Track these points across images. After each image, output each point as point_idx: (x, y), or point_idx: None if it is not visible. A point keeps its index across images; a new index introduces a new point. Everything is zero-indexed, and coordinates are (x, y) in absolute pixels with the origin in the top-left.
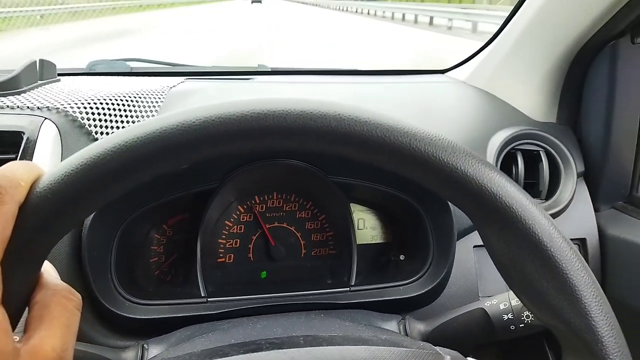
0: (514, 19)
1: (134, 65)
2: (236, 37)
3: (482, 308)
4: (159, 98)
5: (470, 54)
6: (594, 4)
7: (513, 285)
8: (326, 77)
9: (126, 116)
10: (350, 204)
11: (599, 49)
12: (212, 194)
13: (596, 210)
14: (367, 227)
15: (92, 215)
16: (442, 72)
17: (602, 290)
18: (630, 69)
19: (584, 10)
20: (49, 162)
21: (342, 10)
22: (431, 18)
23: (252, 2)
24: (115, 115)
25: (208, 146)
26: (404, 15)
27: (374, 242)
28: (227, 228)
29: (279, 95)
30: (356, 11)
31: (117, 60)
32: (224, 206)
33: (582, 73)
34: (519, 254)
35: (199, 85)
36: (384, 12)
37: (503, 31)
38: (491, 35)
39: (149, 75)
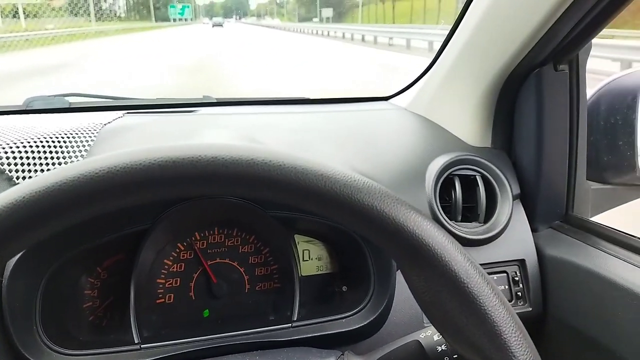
0: (447, 47)
1: (74, 100)
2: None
3: (417, 340)
4: (90, 137)
5: (412, 80)
6: (517, 34)
7: (435, 322)
8: (272, 107)
9: (52, 158)
10: (295, 235)
11: (526, 76)
12: (145, 235)
13: (534, 230)
14: (312, 258)
15: (13, 262)
16: (386, 99)
17: (521, 324)
18: (554, 94)
19: (508, 40)
20: None
21: (301, 32)
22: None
23: (213, 26)
24: (41, 158)
25: (111, 198)
26: (363, 36)
27: (319, 272)
28: (166, 267)
29: (222, 127)
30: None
31: (55, 95)
32: (159, 246)
33: (512, 99)
34: (438, 291)
35: (138, 120)
36: (337, 32)
37: (438, 59)
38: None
39: (88, 111)
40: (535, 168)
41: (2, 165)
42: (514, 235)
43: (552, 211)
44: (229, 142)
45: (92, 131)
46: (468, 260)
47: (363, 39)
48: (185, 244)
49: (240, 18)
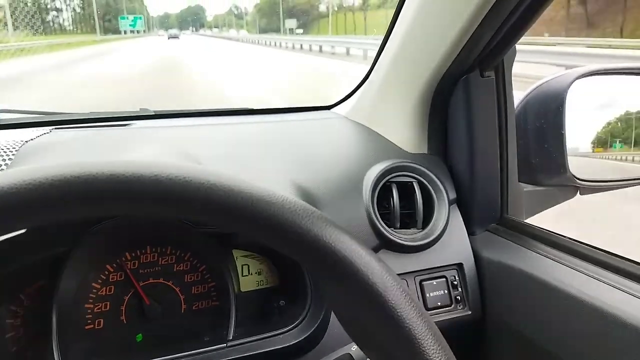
0: (381, 56)
1: (2, 116)
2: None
3: (348, 353)
4: (7, 155)
5: (352, 88)
6: (442, 42)
7: (355, 338)
8: (212, 118)
9: None
10: (233, 250)
11: (455, 82)
12: (66, 259)
13: (471, 234)
14: (252, 272)
15: None
16: (328, 107)
17: (440, 335)
18: (482, 100)
19: (434, 47)
20: None
21: (260, 43)
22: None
23: (169, 38)
24: None
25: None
26: (320, 47)
27: (260, 287)
28: (94, 291)
29: (155, 141)
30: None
31: None
32: (84, 269)
33: (444, 106)
34: (356, 304)
35: (66, 136)
36: (301, 45)
37: (374, 67)
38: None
39: (14, 127)
40: (469, 172)
41: None
42: (452, 240)
43: (487, 214)
44: (130, 159)
45: (11, 149)
46: (386, 271)
47: (320, 50)
48: (114, 265)
49: (196, 30)
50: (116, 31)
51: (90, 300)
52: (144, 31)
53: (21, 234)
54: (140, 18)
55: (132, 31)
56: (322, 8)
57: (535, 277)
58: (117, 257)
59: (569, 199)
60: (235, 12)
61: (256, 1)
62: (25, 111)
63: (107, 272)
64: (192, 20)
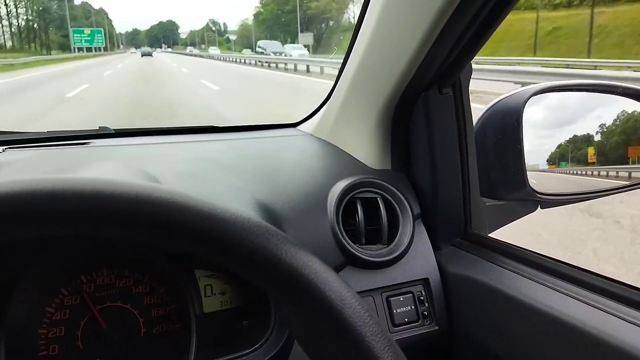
0: (343, 73)
1: None
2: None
3: None
4: None
5: (317, 105)
6: (399, 61)
7: (315, 358)
8: (175, 136)
9: None
10: (196, 270)
11: (415, 99)
12: (14, 283)
13: (437, 249)
14: (215, 293)
15: None
16: (294, 125)
17: (401, 352)
18: (441, 116)
19: (393, 65)
20: None
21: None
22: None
23: (142, 55)
24: None
25: None
26: (308, 67)
27: (224, 308)
28: (48, 315)
29: (112, 160)
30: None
31: None
32: (36, 294)
33: (405, 122)
34: (314, 323)
35: (20, 156)
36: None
37: (337, 85)
38: None
39: None
40: (432, 188)
41: None
42: (417, 255)
43: (452, 229)
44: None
45: None
46: (344, 288)
47: (295, 68)
48: (69, 288)
49: (168, 47)
50: (68, 48)
51: (44, 326)
52: (103, 48)
53: None
54: (100, 32)
55: (90, 49)
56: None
57: (499, 291)
58: (73, 280)
59: (529, 212)
60: (213, 28)
61: (241, 17)
62: None
63: (61, 296)
64: (164, 37)
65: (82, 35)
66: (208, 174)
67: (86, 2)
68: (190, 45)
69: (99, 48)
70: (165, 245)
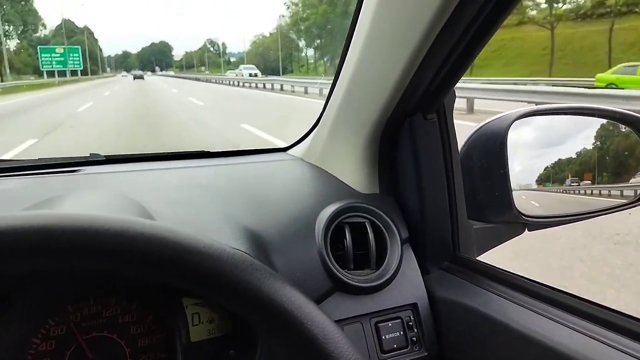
0: (331, 97)
1: None
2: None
3: None
4: None
5: (307, 130)
6: (384, 87)
7: None
8: (165, 162)
9: None
10: (183, 298)
11: (400, 124)
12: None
13: (425, 273)
14: (203, 321)
15: None
16: (284, 149)
17: None
18: (427, 141)
19: (378, 92)
20: None
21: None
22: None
23: (134, 79)
24: None
25: None
26: (292, 86)
27: (211, 336)
28: (34, 347)
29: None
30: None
31: None
32: (21, 324)
33: (392, 146)
34: (299, 357)
35: (5, 185)
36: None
37: (326, 109)
38: None
39: None
40: (419, 211)
41: None
42: (406, 280)
43: (440, 252)
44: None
45: None
46: (328, 322)
47: (293, 90)
48: (56, 318)
49: (162, 70)
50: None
51: (30, 356)
52: (82, 72)
53: None
54: (76, 51)
55: (68, 72)
56: None
57: (488, 316)
58: (59, 310)
59: (517, 235)
60: (212, 49)
61: (248, 36)
62: None
63: (47, 326)
64: (157, 59)
65: (53, 55)
66: (197, 201)
67: (68, 20)
68: (187, 68)
69: (76, 72)
70: (151, 279)
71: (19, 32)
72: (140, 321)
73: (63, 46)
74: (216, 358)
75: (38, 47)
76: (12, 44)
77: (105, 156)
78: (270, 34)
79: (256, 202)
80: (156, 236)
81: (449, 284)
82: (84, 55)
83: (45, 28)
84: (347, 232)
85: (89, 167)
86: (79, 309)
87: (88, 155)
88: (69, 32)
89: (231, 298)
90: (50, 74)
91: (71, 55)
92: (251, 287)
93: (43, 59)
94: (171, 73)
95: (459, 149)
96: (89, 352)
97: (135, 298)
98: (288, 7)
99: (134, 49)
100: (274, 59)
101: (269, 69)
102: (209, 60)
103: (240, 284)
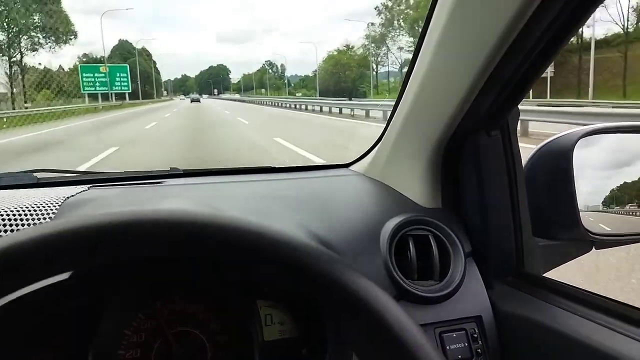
0: (395, 114)
1: (42, 175)
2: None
3: None
4: (52, 210)
5: (369, 147)
6: (448, 106)
7: None
8: (238, 176)
9: (9, 231)
10: (257, 300)
11: (464, 140)
12: (99, 307)
13: (489, 287)
14: (275, 322)
15: None
16: (346, 165)
17: None
18: (490, 157)
19: (442, 110)
20: None
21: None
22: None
23: (191, 102)
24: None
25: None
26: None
27: (282, 337)
28: (126, 337)
29: (185, 198)
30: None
31: (22, 172)
32: (117, 317)
33: (454, 162)
34: (376, 345)
35: (102, 193)
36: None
37: (389, 127)
38: None
39: (54, 185)
40: (483, 226)
41: None
42: (469, 292)
43: (504, 268)
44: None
45: (54, 204)
46: (403, 314)
47: (352, 113)
48: (147, 313)
49: (219, 93)
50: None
51: (122, 347)
52: (127, 93)
53: (65, 279)
54: (124, 70)
55: (112, 95)
56: None
57: (555, 330)
58: (149, 305)
59: (584, 253)
60: (271, 71)
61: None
62: (63, 170)
63: (139, 320)
64: (214, 82)
65: (97, 75)
66: (269, 210)
67: (125, 41)
68: (245, 90)
69: (123, 95)
70: (251, 270)
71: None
72: (219, 319)
73: (109, 64)
74: (289, 356)
75: (79, 66)
76: (42, 59)
77: (183, 170)
78: (339, 51)
79: (323, 214)
80: (262, 232)
81: (514, 298)
82: (140, 78)
83: (75, 37)
84: (410, 244)
85: (170, 179)
86: (167, 306)
87: (168, 168)
88: (126, 52)
89: (315, 286)
90: (93, 97)
91: (118, 75)
92: (334, 277)
93: (85, 79)
94: (226, 96)
95: (523, 165)
96: (175, 344)
97: (216, 298)
98: (380, 13)
99: (193, 73)
100: (344, 80)
101: (337, 92)
102: (268, 82)
103: (323, 274)
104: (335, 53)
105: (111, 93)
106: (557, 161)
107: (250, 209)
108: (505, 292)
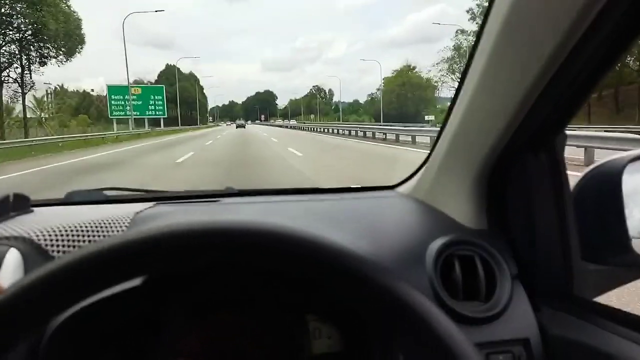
0: (441, 136)
1: (111, 193)
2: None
3: None
4: (124, 223)
5: (414, 169)
6: (496, 124)
7: None
8: (288, 196)
9: (89, 242)
10: (306, 314)
11: (511, 162)
12: (161, 318)
13: (536, 310)
14: (323, 336)
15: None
16: (392, 187)
17: None
18: (537, 179)
19: (489, 131)
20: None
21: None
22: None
23: (237, 127)
24: (79, 242)
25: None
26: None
27: (330, 351)
28: (180, 348)
29: (242, 214)
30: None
31: (94, 190)
32: (174, 328)
33: (501, 184)
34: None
35: (168, 209)
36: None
37: (434, 150)
38: None
39: (123, 202)
40: (530, 248)
41: (47, 247)
42: (516, 314)
43: (552, 291)
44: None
45: (127, 218)
46: (451, 323)
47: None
48: (200, 324)
49: (266, 119)
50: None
51: (177, 357)
52: (161, 117)
53: (138, 285)
54: (160, 92)
55: (142, 121)
56: None
57: (608, 355)
58: (202, 317)
59: (635, 279)
60: (319, 96)
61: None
62: (129, 189)
63: (192, 331)
64: (261, 107)
65: (127, 98)
66: (318, 228)
67: (172, 65)
68: (293, 117)
69: (158, 121)
70: (316, 279)
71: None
72: (268, 332)
73: (142, 85)
74: None
75: (107, 86)
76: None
77: (238, 190)
78: (409, 67)
79: (369, 233)
80: (329, 246)
81: (564, 322)
82: (187, 103)
83: (82, 45)
84: (456, 264)
85: (226, 198)
86: (217, 318)
87: (224, 188)
88: (172, 77)
89: (373, 298)
90: (123, 121)
91: (153, 98)
92: (394, 291)
93: (113, 103)
94: (279, 123)
95: (571, 188)
96: (224, 356)
97: (266, 312)
98: (473, 18)
99: (240, 99)
100: (406, 104)
101: (399, 117)
102: (318, 107)
103: (380, 286)
104: (402, 69)
105: (146, 118)
106: (606, 185)
107: (299, 226)
108: (553, 315)
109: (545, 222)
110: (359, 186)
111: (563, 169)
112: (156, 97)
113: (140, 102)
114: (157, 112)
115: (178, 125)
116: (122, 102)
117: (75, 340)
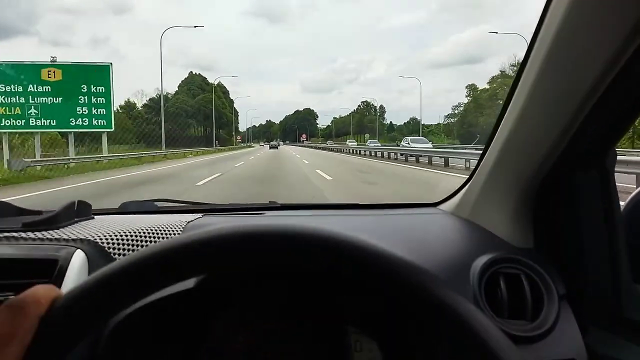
0: (486, 154)
1: (161, 204)
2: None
3: None
4: (177, 231)
5: (457, 188)
6: (545, 142)
7: None
8: (330, 210)
9: (146, 245)
10: (347, 326)
11: (558, 181)
12: (213, 321)
13: (584, 331)
14: (364, 349)
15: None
16: (434, 204)
17: None
18: (586, 199)
19: (537, 146)
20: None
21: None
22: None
23: (270, 148)
24: (138, 245)
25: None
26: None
27: None
28: (227, 352)
29: None
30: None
31: (146, 200)
32: (222, 332)
33: (548, 202)
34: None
35: (215, 220)
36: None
37: (478, 169)
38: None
39: (173, 213)
40: (578, 269)
41: (109, 249)
42: (563, 335)
43: (600, 312)
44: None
45: (179, 227)
46: (497, 329)
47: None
48: (248, 331)
49: (305, 140)
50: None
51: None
52: (190, 140)
53: (191, 287)
54: (105, 76)
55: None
56: None
57: None
58: (250, 323)
59: None
60: (370, 112)
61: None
62: (178, 200)
63: (240, 336)
64: (299, 127)
65: (30, 91)
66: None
67: (197, 74)
68: (336, 136)
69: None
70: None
71: None
72: (313, 342)
73: (61, 63)
74: None
75: None
76: None
77: (280, 204)
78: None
79: (411, 248)
80: (382, 252)
81: (612, 344)
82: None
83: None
84: (501, 282)
85: (270, 211)
86: (267, 325)
87: (267, 202)
88: (195, 88)
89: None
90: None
91: (86, 90)
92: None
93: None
94: (327, 145)
95: (622, 208)
96: None
97: (310, 323)
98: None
99: (277, 119)
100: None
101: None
102: (376, 126)
103: (431, 294)
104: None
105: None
106: None
107: None
108: (602, 337)
109: (594, 242)
110: (400, 203)
111: (613, 186)
112: (94, 89)
113: (58, 100)
114: (95, 121)
115: (213, 146)
116: (21, 100)
117: (129, 343)
